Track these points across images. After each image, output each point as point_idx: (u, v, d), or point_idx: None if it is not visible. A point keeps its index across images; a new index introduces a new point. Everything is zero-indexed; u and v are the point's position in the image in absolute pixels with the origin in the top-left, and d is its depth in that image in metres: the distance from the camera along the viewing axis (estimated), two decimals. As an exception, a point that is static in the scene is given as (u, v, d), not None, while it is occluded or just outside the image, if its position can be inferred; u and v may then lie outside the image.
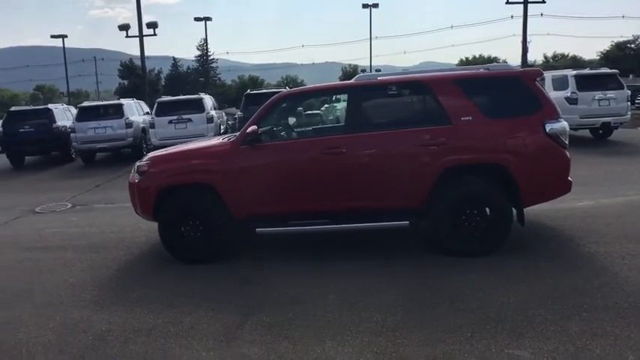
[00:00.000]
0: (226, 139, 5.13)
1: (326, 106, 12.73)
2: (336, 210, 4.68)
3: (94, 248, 5.75)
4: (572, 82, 11.05)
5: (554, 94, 11.40)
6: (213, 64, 79.50)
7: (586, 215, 5.70)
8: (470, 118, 4.44)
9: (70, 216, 7.92)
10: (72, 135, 13.07)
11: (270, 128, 4.95)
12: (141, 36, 18.12)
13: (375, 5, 35.19)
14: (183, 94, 16.71)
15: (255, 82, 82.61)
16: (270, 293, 4.09)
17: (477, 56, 59.10)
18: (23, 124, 13.41)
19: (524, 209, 4.58)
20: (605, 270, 4.09)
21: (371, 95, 4.74)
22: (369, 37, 36.88)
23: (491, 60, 49.32)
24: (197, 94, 15.17)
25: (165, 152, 5.24)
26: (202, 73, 77.17)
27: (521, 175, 4.37)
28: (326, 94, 5.08)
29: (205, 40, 39.53)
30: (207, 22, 36.72)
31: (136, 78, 68.59)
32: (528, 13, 24.95)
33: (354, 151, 4.53)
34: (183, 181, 4.87)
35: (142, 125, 14.03)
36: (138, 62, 78.02)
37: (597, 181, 7.69)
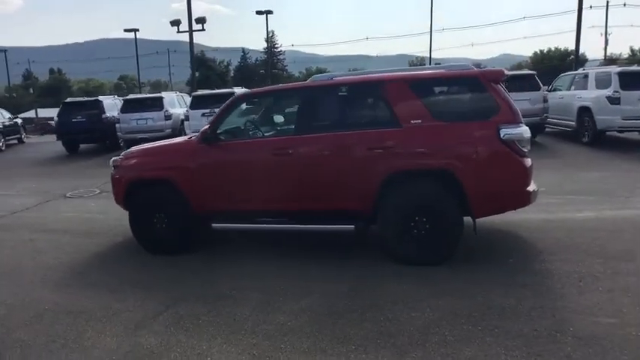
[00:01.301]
0: (193, 137, 5.33)
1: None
2: (287, 210, 4.71)
3: (89, 234, 6.23)
4: (615, 80, 10.04)
5: (596, 93, 10.50)
6: (280, 56, 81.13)
7: (576, 228, 5.25)
8: (420, 121, 4.26)
9: (91, 202, 8.56)
10: (117, 125, 14.07)
11: (231, 127, 5.05)
12: (190, 31, 19.05)
13: None
14: (246, 86, 16.99)
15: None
16: (205, 287, 4.23)
17: (553, 49, 55.09)
18: (76, 115, 14.62)
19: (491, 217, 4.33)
20: (549, 292, 3.77)
21: (322, 96, 4.67)
22: (430, 28, 35.53)
23: (568, 53, 45.74)
24: (231, 88, 15.58)
25: (138, 148, 5.54)
26: (269, 64, 79.35)
27: (469, 183, 4.12)
28: (281, 94, 5.07)
29: (267, 32, 40.11)
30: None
31: (207, 70, 71.95)
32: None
33: (300, 153, 4.52)
34: (148, 176, 5.14)
35: (181, 117, 14.75)
36: (208, 54, 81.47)
37: (617, 191, 7.01)
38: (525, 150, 4.17)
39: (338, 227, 4.49)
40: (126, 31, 41.31)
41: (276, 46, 79.70)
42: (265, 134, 5.00)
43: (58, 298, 4.22)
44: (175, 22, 19.45)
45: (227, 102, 4.96)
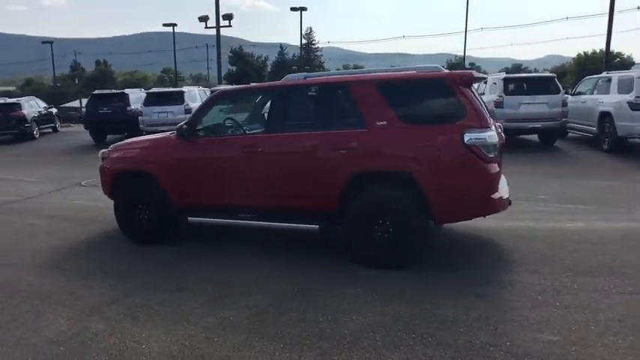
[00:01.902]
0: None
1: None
2: (257, 206, 4.78)
3: (84, 221, 6.50)
4: (637, 85, 9.49)
5: (618, 98, 10.03)
6: (318, 52, 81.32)
7: (560, 239, 5.05)
8: (385, 123, 4.21)
9: (99, 191, 8.91)
10: (139, 118, 14.55)
11: (209, 125, 5.15)
12: (218, 27, 19.42)
13: None
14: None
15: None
16: (168, 278, 4.35)
17: (598, 51, 52.54)
18: (102, 106, 15.23)
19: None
20: (503, 304, 3.65)
21: (292, 96, 4.69)
22: (465, 28, 34.60)
23: (614, 56, 43.46)
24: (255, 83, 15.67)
25: (125, 142, 5.74)
26: (306, 60, 79.65)
27: (430, 187, 4.04)
28: (256, 93, 5.13)
29: (301, 28, 40.14)
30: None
31: (244, 64, 73.05)
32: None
33: (268, 151, 4.57)
34: (131, 169, 5.34)
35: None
36: (247, 49, 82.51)
37: (621, 202, 6.68)
38: (491, 156, 4.05)
39: (302, 226, 4.51)
40: (165, 25, 42.45)
41: (314, 42, 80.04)
42: (240, 132, 5.07)
43: (33, 280, 4.46)
44: (203, 18, 19.90)
45: (205, 99, 5.07)
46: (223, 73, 75.80)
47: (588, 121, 11.04)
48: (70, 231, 6.05)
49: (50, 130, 19.97)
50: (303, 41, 79.52)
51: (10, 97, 20.79)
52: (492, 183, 4.07)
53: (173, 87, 21.05)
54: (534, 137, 12.71)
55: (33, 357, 3.13)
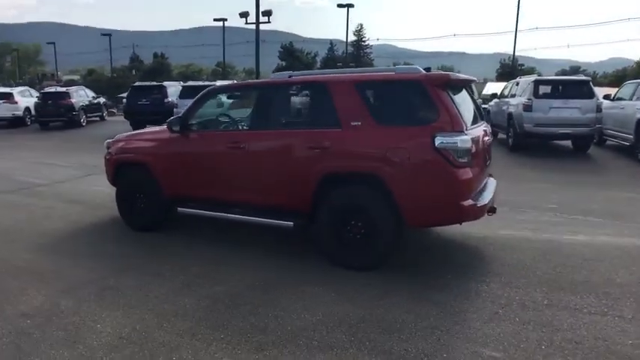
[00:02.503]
0: None
1: None
2: (240, 201, 4.90)
3: (97, 207, 6.87)
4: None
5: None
6: (367, 49, 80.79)
7: (551, 251, 4.82)
8: (359, 123, 4.19)
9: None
10: (174, 109, 15.11)
11: (201, 119, 5.31)
12: (257, 23, 19.78)
13: None
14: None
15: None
16: (146, 264, 4.57)
17: (667, 52, 48.78)
18: (142, 98, 15.94)
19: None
20: (458, 314, 3.54)
21: (275, 94, 4.75)
22: (515, 27, 33.18)
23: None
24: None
25: (129, 133, 6.02)
26: (355, 57, 79.31)
27: (398, 190, 3.99)
28: (245, 90, 5.20)
29: (347, 24, 39.98)
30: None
31: (294, 60, 73.81)
32: None
33: (250, 147, 4.67)
34: (130, 159, 5.61)
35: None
36: (298, 45, 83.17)
37: (636, 216, 6.27)
38: (462, 160, 3.93)
39: (278, 222, 4.57)
40: (215, 20, 43.66)
41: (364, 39, 79.57)
42: (227, 128, 5.20)
43: (29, 258, 4.80)
44: (243, 14, 20.36)
45: (200, 94, 5.24)
46: (273, 68, 76.92)
47: (624, 128, 10.36)
48: (80, 215, 6.43)
49: (97, 118, 21.12)
50: (353, 38, 79.79)
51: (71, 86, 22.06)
52: (462, 189, 3.94)
53: (224, 80, 21.55)
54: (568, 143, 12.12)
55: (0, 327, 3.40)
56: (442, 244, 5.17)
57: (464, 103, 4.64)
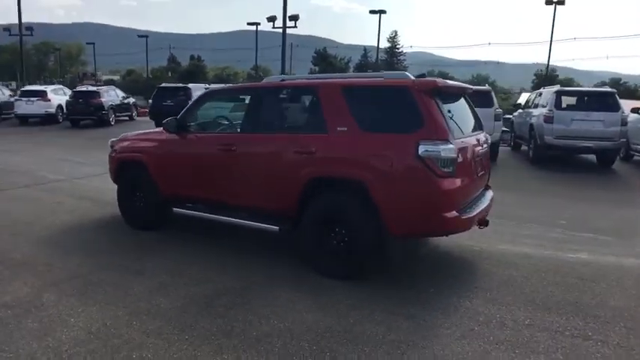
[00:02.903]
0: None
1: None
2: (229, 203, 4.93)
3: (105, 204, 6.98)
4: None
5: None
6: (401, 57, 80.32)
7: (547, 269, 4.62)
8: (345, 129, 4.14)
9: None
10: (197, 111, 15.42)
11: (196, 121, 5.37)
12: (284, 27, 19.97)
13: (561, 2, 30.49)
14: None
15: (443, 77, 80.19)
16: (134, 262, 4.62)
17: None
18: (167, 99, 16.31)
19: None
20: (430, 330, 3.44)
21: (266, 97, 4.75)
22: (550, 37, 32.17)
23: None
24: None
25: (132, 133, 6.15)
26: (389, 64, 78.92)
27: (381, 198, 3.90)
28: (238, 93, 5.22)
29: (379, 31, 39.78)
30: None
31: (326, 65, 74.08)
32: None
33: (240, 150, 4.69)
34: (130, 158, 5.73)
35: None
36: (333, 50, 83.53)
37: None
38: (446, 170, 3.81)
39: (264, 226, 4.57)
40: (249, 24, 44.33)
41: (398, 46, 79.12)
42: (220, 130, 5.23)
43: (26, 251, 4.96)
44: (271, 19, 20.61)
45: (197, 97, 5.31)
46: (307, 72, 77.31)
47: (653, 143, 9.88)
48: (86, 211, 6.61)
49: (127, 118, 21.73)
50: (387, 44, 79.51)
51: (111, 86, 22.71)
52: (445, 200, 3.82)
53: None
54: (593, 157, 11.63)
55: (-19, 317, 3.52)
56: (436, 256, 5.04)
57: (457, 112, 4.53)
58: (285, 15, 20.11)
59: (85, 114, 18.70)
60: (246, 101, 4.95)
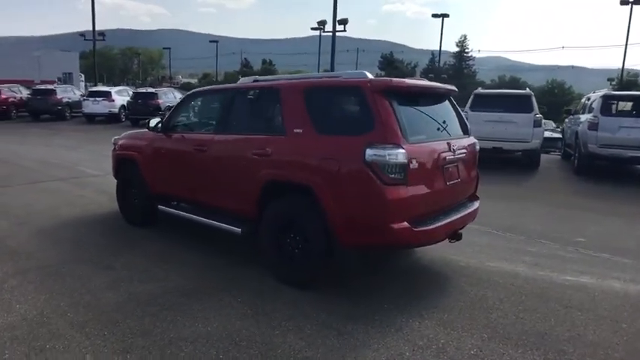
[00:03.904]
0: None
1: None
2: (203, 202, 4.95)
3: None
4: None
5: None
6: (470, 61, 77.52)
7: (531, 293, 4.14)
8: (301, 130, 3.98)
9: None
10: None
11: (179, 121, 5.41)
12: (334, 31, 19.94)
13: (638, 2, 27.62)
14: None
15: (515, 83, 77.14)
16: (111, 257, 4.73)
17: None
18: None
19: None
20: (352, 349, 3.18)
21: (236, 99, 4.67)
22: (626, 40, 29.29)
23: None
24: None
25: (131, 132, 6.34)
26: (457, 69, 76.40)
27: (328, 205, 3.68)
28: (217, 94, 5.16)
29: (442, 35, 38.67)
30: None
31: (393, 70, 73.21)
32: None
33: (210, 150, 4.68)
34: (125, 156, 5.93)
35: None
36: (403, 55, 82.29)
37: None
38: (394, 177, 3.51)
39: (227, 227, 4.52)
40: (312, 29, 44.80)
41: (467, 50, 76.36)
42: (198, 130, 5.23)
43: (21, 239, 5.29)
44: (321, 23, 20.69)
45: (183, 97, 5.38)
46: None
47: None
48: (99, 205, 6.94)
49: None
50: (456, 49, 77.08)
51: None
52: (392, 210, 3.51)
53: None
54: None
55: (-57, 296, 3.78)
56: (413, 269, 4.71)
57: (433, 114, 4.21)
58: (334, 20, 20.09)
59: (143, 114, 19.83)
60: (217, 102, 4.92)
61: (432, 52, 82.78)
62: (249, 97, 4.48)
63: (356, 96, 3.75)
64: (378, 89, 3.67)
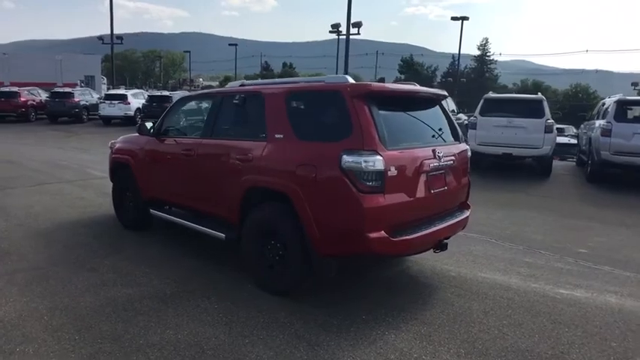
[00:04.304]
0: None
1: None
2: (196, 209, 4.94)
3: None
4: None
5: None
6: (491, 65, 76.49)
7: (519, 306, 3.99)
8: (282, 136, 3.93)
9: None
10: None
11: (170, 125, 5.39)
12: (348, 34, 19.88)
13: None
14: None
15: (537, 87, 75.91)
16: (94, 261, 4.76)
17: None
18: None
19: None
20: (314, 357, 3.12)
21: (222, 103, 4.63)
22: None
23: None
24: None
25: (127, 135, 6.38)
26: (479, 72, 75.40)
27: (304, 212, 3.61)
28: (207, 98, 5.12)
29: (461, 38, 38.17)
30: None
31: (413, 74, 72.71)
32: None
33: (197, 155, 4.67)
34: (119, 160, 5.96)
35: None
36: (425, 59, 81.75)
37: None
38: (370, 184, 3.41)
39: (211, 232, 4.49)
40: (331, 32, 44.82)
41: (488, 53, 75.33)
42: (187, 135, 5.21)
43: (16, 240, 5.34)
44: (335, 26, 20.67)
45: (174, 102, 5.39)
46: (392, 80, 76.25)
47: None
48: (98, 207, 7.01)
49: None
50: (477, 52, 76.20)
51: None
52: (368, 219, 3.41)
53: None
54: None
55: None
56: (400, 279, 4.59)
57: (421, 119, 4.12)
58: (348, 23, 20.03)
59: (157, 116, 20.12)
60: (205, 106, 4.91)
61: (453, 56, 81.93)
62: (234, 101, 4.45)
63: (335, 101, 3.68)
64: (357, 94, 3.59)
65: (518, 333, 3.55)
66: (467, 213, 4.52)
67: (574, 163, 13.18)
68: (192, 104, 5.32)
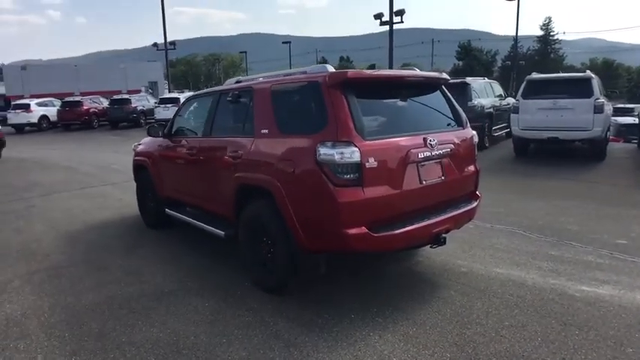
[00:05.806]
0: None
1: None
2: (203, 207, 5.00)
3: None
4: None
5: None
6: (556, 45, 71.69)
7: (533, 305, 3.67)
8: (267, 131, 3.85)
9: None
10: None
11: (179, 125, 5.47)
12: (391, 23, 19.35)
13: None
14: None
15: (608, 66, 70.38)
16: (107, 260, 4.96)
17: None
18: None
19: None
20: (289, 358, 3.02)
21: (218, 101, 4.62)
22: None
23: None
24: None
25: (147, 138, 6.57)
26: (542, 54, 70.86)
27: (285, 209, 3.52)
28: (207, 97, 5.07)
29: (518, 17, 35.94)
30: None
31: (471, 59, 69.76)
32: None
33: (197, 154, 4.73)
34: (139, 162, 6.17)
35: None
36: (480, 44, 78.30)
37: None
38: (345, 177, 3.23)
39: (211, 229, 4.53)
40: (381, 23, 43.99)
41: (552, 33, 70.57)
42: (193, 134, 5.26)
43: (45, 242, 5.68)
44: (378, 16, 20.18)
45: (185, 99, 5.49)
46: (449, 69, 73.59)
47: None
48: (132, 209, 7.22)
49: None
50: (541, 33, 71.65)
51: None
52: (345, 213, 3.23)
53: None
54: None
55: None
56: (406, 275, 4.37)
57: (403, 107, 3.89)
58: (391, 11, 19.45)
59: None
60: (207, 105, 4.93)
61: (514, 38, 77.63)
62: (228, 99, 4.43)
63: (313, 92, 3.53)
64: (333, 83, 3.42)
65: (518, 336, 3.24)
66: (474, 203, 4.21)
67: (636, 146, 11.99)
68: (196, 104, 5.38)
